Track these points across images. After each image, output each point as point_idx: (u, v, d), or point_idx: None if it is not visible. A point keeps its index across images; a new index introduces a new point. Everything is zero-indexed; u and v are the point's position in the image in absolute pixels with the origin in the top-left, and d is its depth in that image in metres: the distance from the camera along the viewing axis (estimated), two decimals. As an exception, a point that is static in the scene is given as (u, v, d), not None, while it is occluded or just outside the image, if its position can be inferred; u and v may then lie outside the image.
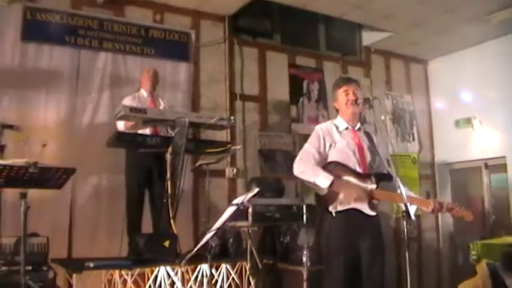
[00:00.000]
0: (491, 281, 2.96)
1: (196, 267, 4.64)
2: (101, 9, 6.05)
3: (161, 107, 5.46)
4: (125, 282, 4.35)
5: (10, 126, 4.53)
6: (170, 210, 4.74)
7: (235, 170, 6.56)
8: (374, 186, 3.75)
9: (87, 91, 5.79)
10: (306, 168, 3.77)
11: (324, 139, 3.87)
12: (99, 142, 5.24)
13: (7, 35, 5.45)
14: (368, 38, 8.17)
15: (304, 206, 4.71)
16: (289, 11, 7.11)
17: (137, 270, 4.43)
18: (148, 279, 4.46)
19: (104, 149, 5.16)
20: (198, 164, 5.52)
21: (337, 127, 3.95)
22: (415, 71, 8.95)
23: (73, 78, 5.74)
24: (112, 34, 6.06)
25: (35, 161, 3.53)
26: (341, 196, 3.64)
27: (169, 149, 4.86)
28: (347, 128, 3.94)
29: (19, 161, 3.51)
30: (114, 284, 4.33)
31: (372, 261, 3.71)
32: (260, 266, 4.89)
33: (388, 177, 3.86)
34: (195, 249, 3.90)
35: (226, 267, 4.88)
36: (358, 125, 4.01)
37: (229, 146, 5.40)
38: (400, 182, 3.53)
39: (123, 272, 4.35)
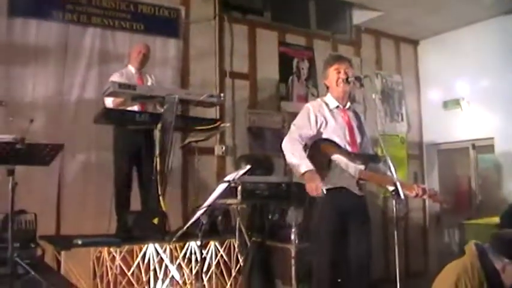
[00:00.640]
0: (479, 262, 2.97)
1: (184, 245, 4.64)
2: (90, -17, 5.96)
3: (149, 84, 5.42)
4: (113, 259, 4.35)
5: (-3, 102, 4.48)
6: (159, 188, 4.71)
7: (224, 148, 6.55)
8: (362, 167, 3.76)
9: (75, 67, 5.71)
10: (291, 148, 3.77)
11: (316, 117, 3.86)
12: (87, 118, 5.17)
13: (-7, 10, 5.35)
14: (358, 17, 8.12)
15: (293, 184, 4.72)
16: (280, -12, 7.06)
17: (126, 248, 4.43)
18: (137, 256, 4.46)
19: (92, 126, 5.13)
20: (187, 141, 5.50)
21: (327, 105, 3.94)
22: (405, 51, 8.92)
23: (61, 54, 5.66)
24: (101, 9, 5.96)
25: (22, 137, 3.50)
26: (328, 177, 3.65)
27: (158, 126, 4.80)
28: (337, 106, 3.93)
29: (6, 137, 3.47)
30: (103, 261, 4.33)
31: (359, 240, 3.75)
32: (249, 243, 4.91)
33: (375, 158, 3.89)
34: (186, 227, 3.90)
35: (214, 245, 4.89)
36: (348, 104, 4.01)
37: (218, 123, 5.36)
38: (390, 162, 3.54)
39: (111, 249, 4.35)
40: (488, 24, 7.73)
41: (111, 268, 4.33)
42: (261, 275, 4.85)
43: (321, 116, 3.87)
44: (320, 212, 3.76)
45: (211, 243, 4.88)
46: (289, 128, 3.98)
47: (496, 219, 6.33)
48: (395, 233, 3.62)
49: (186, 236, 4.38)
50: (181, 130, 5.43)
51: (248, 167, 3.76)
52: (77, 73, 5.72)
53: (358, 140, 3.91)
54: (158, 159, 4.77)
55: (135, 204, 5.21)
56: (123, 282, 4.38)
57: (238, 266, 4.96)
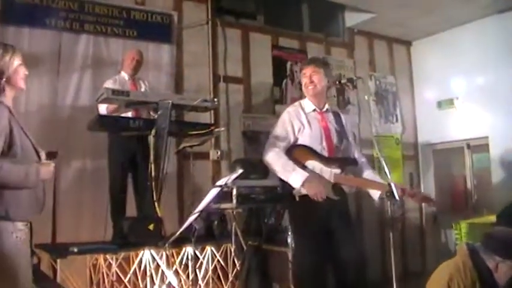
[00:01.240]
0: (471, 262, 2.98)
1: (181, 250, 4.64)
2: (82, -10, 5.96)
3: (142, 90, 5.42)
4: (109, 266, 4.34)
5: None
6: (154, 193, 4.71)
7: (219, 152, 6.54)
8: (338, 171, 3.74)
9: (68, 74, 5.70)
10: (277, 161, 3.79)
11: (292, 124, 3.85)
12: (81, 125, 5.16)
13: (-15, 18, 5.34)
14: (351, 19, 8.12)
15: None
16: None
17: (122, 254, 4.42)
18: (133, 262, 4.45)
19: (87, 132, 5.12)
20: (181, 146, 5.49)
21: (303, 109, 3.93)
22: (398, 52, 8.95)
23: (54, 61, 5.65)
24: (93, 16, 5.95)
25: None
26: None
27: (153, 131, 4.80)
28: (314, 109, 3.91)
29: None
30: (99, 268, 4.32)
31: (344, 241, 3.72)
32: (245, 247, 4.90)
33: (353, 161, 3.87)
34: (178, 232, 3.89)
35: (211, 249, 4.88)
36: (326, 106, 3.98)
37: (212, 128, 5.36)
38: (384, 163, 3.54)
39: (107, 256, 4.34)
40: (481, 24, 7.74)
41: (107, 275, 4.33)
42: (258, 279, 4.83)
43: (298, 121, 3.85)
44: (295, 218, 3.84)
45: (208, 248, 4.87)
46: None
47: (493, 219, 6.33)
48: (391, 233, 3.64)
49: (183, 242, 4.37)
50: (175, 135, 5.43)
51: (240, 171, 3.76)
52: (71, 80, 5.72)
53: (336, 143, 3.87)
54: (153, 165, 4.77)
55: (131, 210, 5.20)
56: (120, 289, 4.37)
57: (235, 270, 4.95)
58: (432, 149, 8.87)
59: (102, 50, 5.99)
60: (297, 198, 3.73)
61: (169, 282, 4.57)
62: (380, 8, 7.43)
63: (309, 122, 3.85)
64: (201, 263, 4.79)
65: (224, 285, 4.93)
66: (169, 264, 4.61)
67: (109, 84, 5.16)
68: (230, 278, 4.94)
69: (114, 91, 4.71)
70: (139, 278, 4.48)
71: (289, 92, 7.39)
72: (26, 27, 5.52)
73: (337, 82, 3.93)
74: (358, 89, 4.04)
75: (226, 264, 4.95)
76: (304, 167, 3.74)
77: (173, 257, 4.64)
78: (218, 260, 4.91)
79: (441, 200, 8.74)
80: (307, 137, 3.81)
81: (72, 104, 5.68)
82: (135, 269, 4.44)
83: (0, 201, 2.67)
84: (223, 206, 4.83)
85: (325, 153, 3.78)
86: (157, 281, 4.54)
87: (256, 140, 6.88)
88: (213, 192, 3.61)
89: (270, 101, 7.22)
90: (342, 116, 4.05)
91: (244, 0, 7.16)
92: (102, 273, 4.32)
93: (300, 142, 3.82)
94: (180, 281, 4.66)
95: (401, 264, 7.85)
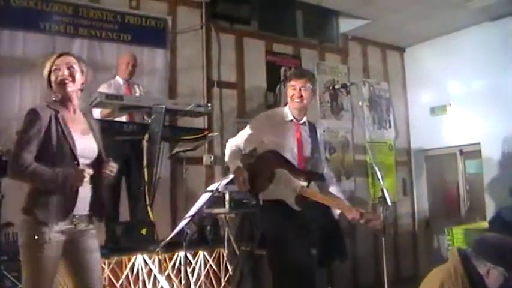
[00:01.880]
0: (463, 267, 2.99)
1: (173, 255, 4.63)
2: (76, -6, 5.96)
3: (137, 94, 5.42)
4: (102, 270, 4.32)
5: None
6: (147, 198, 4.70)
7: (212, 157, 6.55)
8: (305, 183, 3.75)
9: (62, 78, 5.69)
10: (231, 155, 3.95)
11: (263, 127, 3.94)
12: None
13: (-21, 22, 5.33)
14: (345, 25, 8.15)
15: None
16: (266, -3, 7.08)
17: (114, 259, 4.41)
18: (126, 267, 4.45)
19: (80, 137, 5.10)
20: (175, 151, 5.49)
21: (283, 117, 3.96)
22: (392, 58, 9.00)
23: (48, 65, 5.65)
24: (87, 20, 5.95)
25: (9, 149, 3.49)
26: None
27: (146, 136, 4.79)
28: (292, 120, 3.94)
29: (-8, 149, 3.47)
30: (91, 272, 4.30)
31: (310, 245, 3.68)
32: (238, 252, 4.91)
33: (320, 177, 3.89)
34: (170, 237, 3.89)
35: (203, 255, 4.88)
36: (304, 118, 4.00)
37: (206, 133, 5.36)
38: (377, 169, 3.56)
39: (100, 260, 4.33)
40: (474, 30, 7.81)
41: (99, 279, 4.31)
42: (250, 285, 4.83)
43: (270, 127, 3.92)
44: (262, 223, 3.95)
45: (200, 253, 4.87)
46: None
47: (485, 224, 6.38)
48: (383, 239, 3.66)
49: (175, 246, 4.37)
50: (169, 140, 5.41)
51: (231, 176, 3.78)
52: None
53: (307, 156, 3.88)
54: (146, 170, 4.76)
55: (124, 214, 5.19)
56: (112, 294, 4.36)
57: (228, 275, 4.95)
58: (425, 155, 8.91)
59: (96, 54, 5.98)
60: (261, 202, 3.81)
61: (162, 287, 4.57)
62: (374, 14, 7.47)
63: (284, 130, 3.88)
64: (194, 268, 4.79)
65: (217, 290, 4.93)
66: (161, 269, 4.60)
67: (103, 88, 5.16)
68: (223, 283, 4.93)
69: (107, 95, 4.71)
70: (131, 282, 4.47)
71: (282, 98, 7.38)
72: (21, 31, 5.51)
73: (331, 88, 3.95)
74: (351, 95, 4.04)
75: (219, 269, 4.96)
76: (273, 174, 3.78)
77: (166, 261, 4.63)
78: (211, 265, 4.91)
79: (434, 206, 8.79)
80: (281, 144, 3.83)
81: (66, 108, 5.65)
82: (127, 273, 4.43)
83: (28, 202, 2.78)
84: (216, 211, 4.86)
85: (296, 164, 3.80)
86: (149, 286, 4.53)
87: (250, 145, 6.89)
88: (205, 197, 3.63)
89: (263, 106, 7.21)
90: (318, 130, 4.08)
91: (238, 5, 7.15)
92: (95, 277, 4.30)
93: (271, 147, 3.84)
94: (173, 285, 4.65)
95: (394, 269, 7.87)
